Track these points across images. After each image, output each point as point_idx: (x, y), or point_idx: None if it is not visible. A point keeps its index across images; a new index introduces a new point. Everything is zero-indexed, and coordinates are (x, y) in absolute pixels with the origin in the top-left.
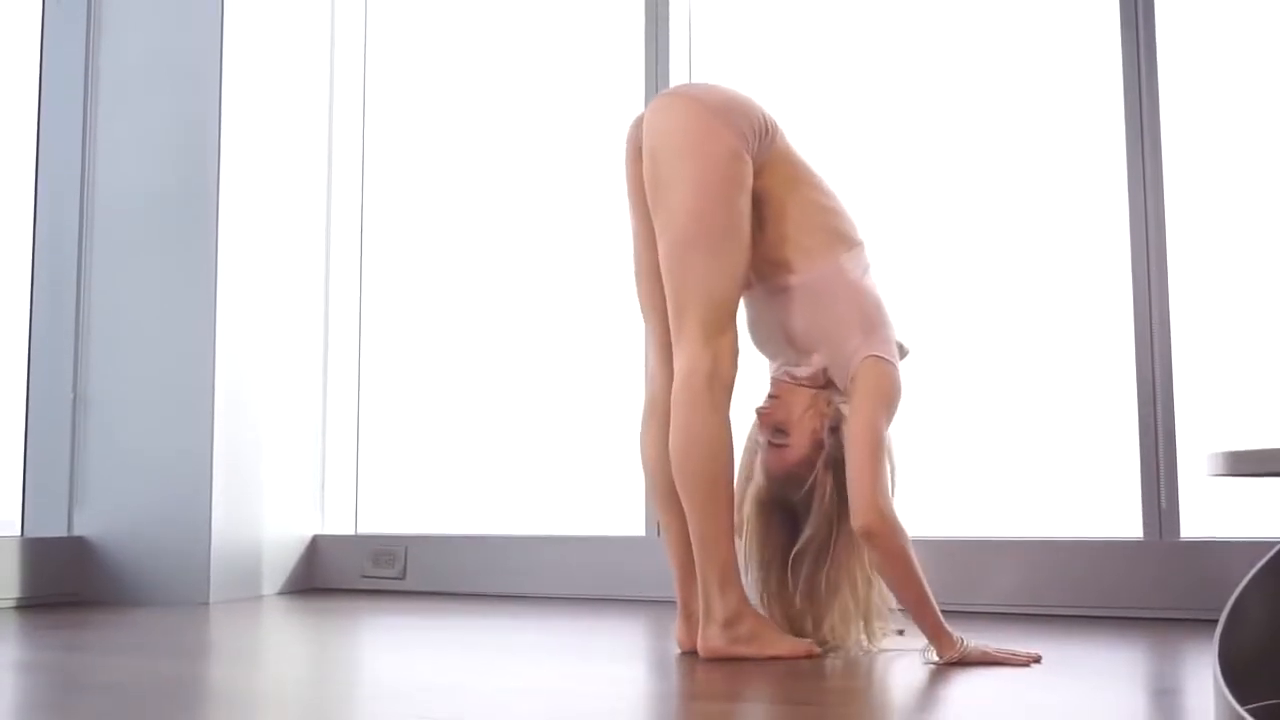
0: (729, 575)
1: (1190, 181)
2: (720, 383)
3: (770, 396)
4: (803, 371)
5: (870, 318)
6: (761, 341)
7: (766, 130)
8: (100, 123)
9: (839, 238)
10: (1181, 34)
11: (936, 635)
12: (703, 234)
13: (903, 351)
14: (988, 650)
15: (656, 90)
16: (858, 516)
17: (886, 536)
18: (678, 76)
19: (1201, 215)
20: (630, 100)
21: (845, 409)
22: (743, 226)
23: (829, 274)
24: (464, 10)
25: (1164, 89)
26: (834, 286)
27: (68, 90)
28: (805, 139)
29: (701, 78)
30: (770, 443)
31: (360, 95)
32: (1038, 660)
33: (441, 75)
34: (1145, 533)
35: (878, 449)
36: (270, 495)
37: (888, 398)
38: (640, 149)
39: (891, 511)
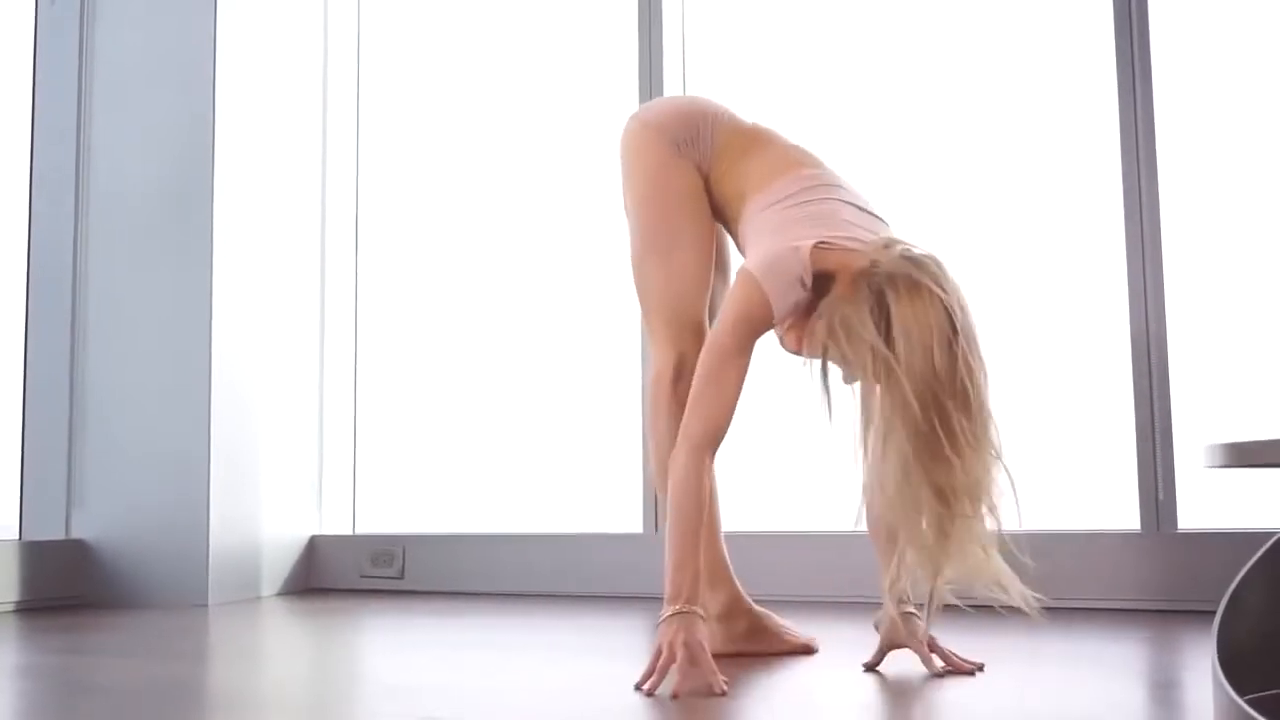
0: (717, 572)
1: (1185, 176)
2: (686, 384)
3: None
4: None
5: (756, 239)
6: None
7: (700, 131)
8: (95, 120)
9: (757, 186)
10: (1175, 27)
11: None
12: (649, 244)
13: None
14: (682, 640)
15: (650, 91)
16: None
17: (667, 475)
18: (671, 77)
19: (1196, 209)
20: (623, 101)
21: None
22: (687, 230)
23: (753, 213)
24: (458, 9)
25: (1158, 85)
26: (747, 231)
27: (62, 87)
28: (801, 139)
29: (694, 79)
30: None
31: (354, 94)
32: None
33: (436, 71)
34: (1143, 525)
35: (705, 370)
36: (268, 496)
37: (733, 312)
38: None
39: (685, 452)
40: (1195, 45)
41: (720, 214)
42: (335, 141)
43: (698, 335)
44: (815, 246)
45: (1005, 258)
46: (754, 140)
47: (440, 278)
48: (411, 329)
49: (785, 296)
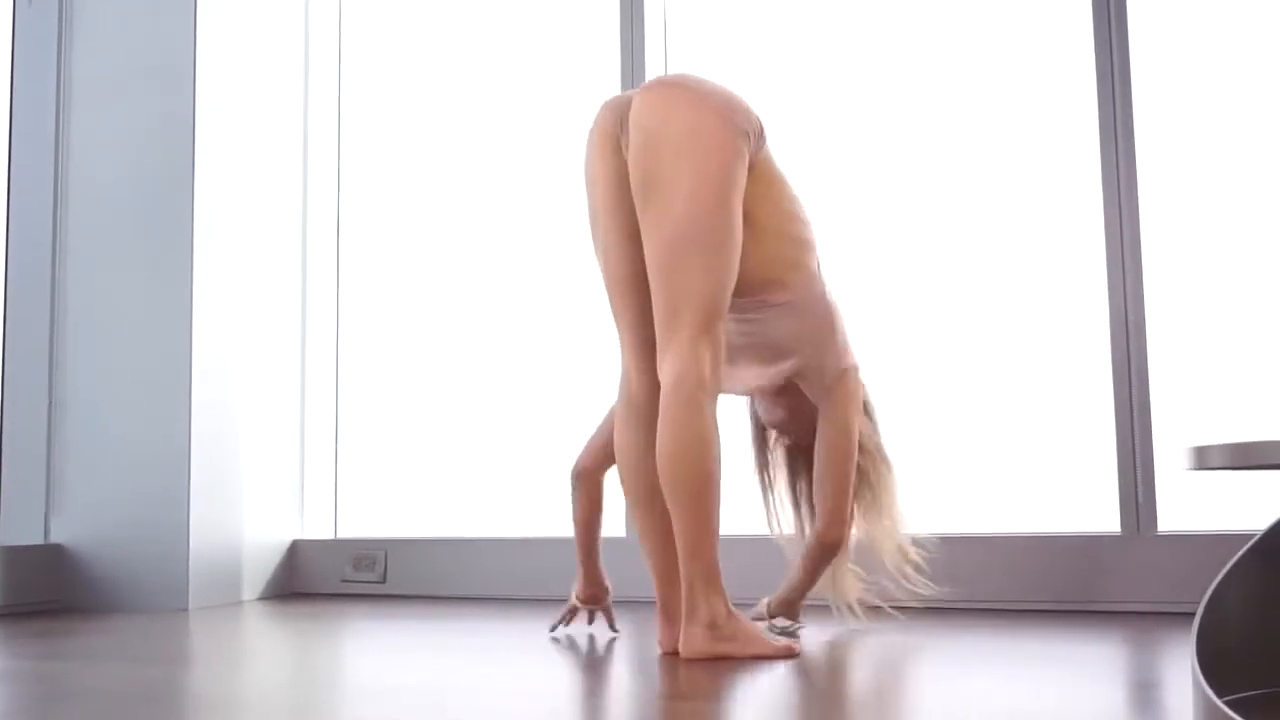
0: (714, 576)
1: (1164, 178)
2: (712, 385)
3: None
4: (772, 412)
5: (843, 330)
6: (731, 360)
7: (755, 128)
8: (74, 120)
9: (809, 248)
10: (1154, 26)
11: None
12: (702, 234)
13: None
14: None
15: (632, 85)
16: (830, 529)
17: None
18: (653, 73)
19: (1175, 211)
20: (605, 96)
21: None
22: (739, 229)
23: (808, 286)
24: (439, 5)
25: (1137, 87)
26: (813, 297)
27: (40, 87)
28: (781, 135)
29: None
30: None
31: (335, 92)
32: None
33: (417, 69)
34: (1123, 527)
35: (852, 458)
36: (249, 500)
37: (861, 405)
38: (615, 139)
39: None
40: (1175, 50)
41: None
42: (316, 141)
43: (720, 336)
44: None
45: (986, 259)
46: (777, 173)
47: (422, 280)
48: (393, 332)
49: None
